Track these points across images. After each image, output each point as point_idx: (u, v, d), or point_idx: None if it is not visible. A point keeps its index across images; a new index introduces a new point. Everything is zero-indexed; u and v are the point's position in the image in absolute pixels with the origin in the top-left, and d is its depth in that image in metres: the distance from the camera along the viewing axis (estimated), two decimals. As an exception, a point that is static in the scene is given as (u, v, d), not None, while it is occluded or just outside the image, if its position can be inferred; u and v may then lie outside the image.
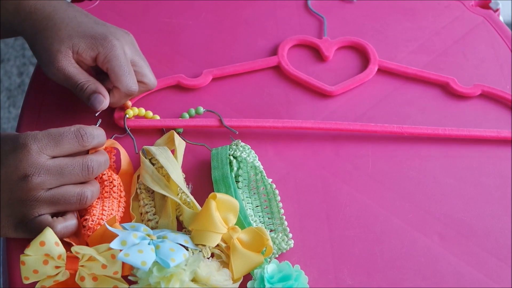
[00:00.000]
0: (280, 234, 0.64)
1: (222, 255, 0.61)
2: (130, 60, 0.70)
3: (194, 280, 0.57)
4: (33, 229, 0.58)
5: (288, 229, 0.65)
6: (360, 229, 0.66)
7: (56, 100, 0.75)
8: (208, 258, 0.60)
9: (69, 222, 0.60)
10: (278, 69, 0.81)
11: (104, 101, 0.68)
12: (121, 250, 0.54)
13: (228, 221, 0.61)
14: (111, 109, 0.73)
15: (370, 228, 0.67)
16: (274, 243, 0.63)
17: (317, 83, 0.79)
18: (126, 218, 0.64)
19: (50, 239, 0.54)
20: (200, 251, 0.60)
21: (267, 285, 0.57)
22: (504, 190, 0.71)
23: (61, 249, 0.55)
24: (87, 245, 0.60)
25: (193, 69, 0.80)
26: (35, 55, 0.70)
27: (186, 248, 0.59)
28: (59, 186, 0.59)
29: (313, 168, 0.72)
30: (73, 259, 0.55)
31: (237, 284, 0.59)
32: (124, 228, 0.58)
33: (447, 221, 0.68)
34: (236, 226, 0.61)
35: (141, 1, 0.85)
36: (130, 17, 0.85)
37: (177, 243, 0.58)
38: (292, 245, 0.64)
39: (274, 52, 0.83)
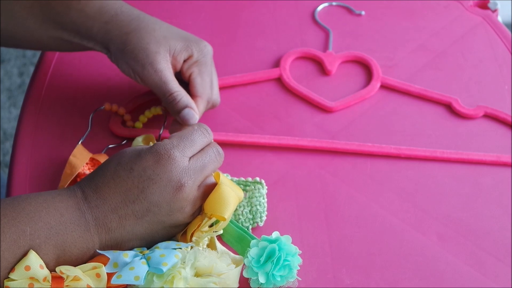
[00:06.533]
0: (256, 190, 0.66)
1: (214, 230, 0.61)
2: None
3: (198, 274, 0.57)
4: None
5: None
6: (358, 228, 0.67)
7: (56, 100, 0.76)
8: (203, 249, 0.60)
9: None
10: (279, 82, 0.81)
11: (196, 116, 0.68)
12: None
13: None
14: (106, 115, 0.73)
15: (369, 228, 0.67)
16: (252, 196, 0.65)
17: (317, 98, 0.78)
18: None
19: (34, 262, 0.54)
20: (193, 246, 0.60)
21: (257, 270, 0.58)
22: (503, 189, 0.71)
23: (45, 271, 0.54)
24: None
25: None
26: (122, 57, 0.68)
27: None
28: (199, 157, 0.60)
29: (312, 168, 0.72)
30: (58, 279, 0.55)
31: (240, 268, 0.60)
32: None
33: (446, 220, 0.68)
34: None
35: (141, 1, 0.85)
36: (130, 18, 0.85)
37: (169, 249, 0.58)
38: (265, 189, 0.67)
39: (276, 60, 0.82)
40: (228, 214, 0.59)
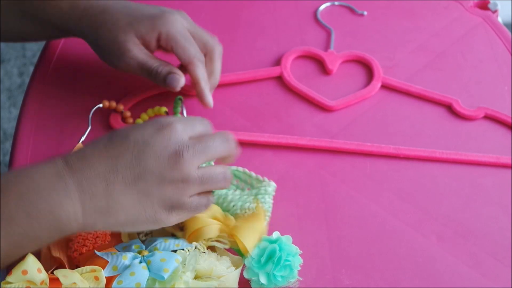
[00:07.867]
0: (262, 188, 0.65)
1: (224, 243, 0.61)
2: (189, 32, 0.71)
3: (198, 276, 0.57)
4: (190, 210, 0.57)
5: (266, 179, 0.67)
6: (358, 229, 0.67)
7: (56, 100, 0.76)
8: (204, 252, 0.60)
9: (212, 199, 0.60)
10: (280, 80, 0.81)
11: (180, 79, 0.69)
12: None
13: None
14: (106, 113, 0.74)
15: (368, 228, 0.67)
16: (262, 193, 0.64)
17: (317, 97, 0.78)
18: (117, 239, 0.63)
19: (32, 266, 0.53)
20: (195, 248, 0.59)
21: (258, 271, 0.58)
22: (502, 190, 0.71)
23: (43, 275, 0.54)
24: (75, 263, 0.59)
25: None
26: (100, 51, 0.71)
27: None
28: (206, 167, 0.58)
29: (312, 168, 0.72)
30: (55, 281, 0.54)
31: (239, 270, 0.60)
32: (117, 250, 0.58)
33: (445, 221, 0.68)
34: (228, 215, 0.62)
35: (140, 1, 0.85)
36: (130, 18, 0.85)
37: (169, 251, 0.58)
38: (275, 185, 0.66)
39: (277, 60, 0.82)
40: (252, 251, 0.59)
